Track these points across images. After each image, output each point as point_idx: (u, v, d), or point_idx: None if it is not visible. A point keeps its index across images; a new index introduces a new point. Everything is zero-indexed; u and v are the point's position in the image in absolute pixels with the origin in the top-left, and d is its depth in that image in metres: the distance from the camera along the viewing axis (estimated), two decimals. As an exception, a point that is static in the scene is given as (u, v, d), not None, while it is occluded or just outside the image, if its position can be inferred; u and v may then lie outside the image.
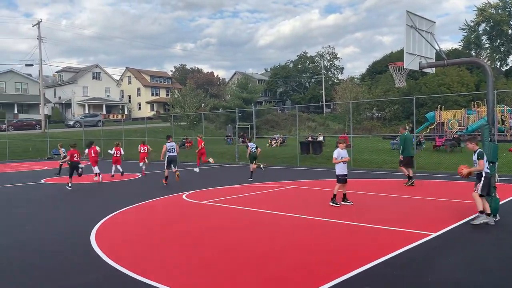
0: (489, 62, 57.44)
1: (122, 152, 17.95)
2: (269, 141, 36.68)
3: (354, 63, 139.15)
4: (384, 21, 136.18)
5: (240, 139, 30.27)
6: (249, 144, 16.25)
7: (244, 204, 10.22)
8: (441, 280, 4.91)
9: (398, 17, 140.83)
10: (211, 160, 19.05)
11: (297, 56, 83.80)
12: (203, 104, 51.82)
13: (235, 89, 62.99)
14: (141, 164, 18.60)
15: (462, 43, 62.08)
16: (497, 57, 60.87)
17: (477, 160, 7.54)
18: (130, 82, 72.35)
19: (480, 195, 7.44)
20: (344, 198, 9.85)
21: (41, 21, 43.12)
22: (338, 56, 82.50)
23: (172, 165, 14.95)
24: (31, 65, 44.16)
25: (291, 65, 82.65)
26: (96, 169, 16.17)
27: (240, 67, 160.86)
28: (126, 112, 65.77)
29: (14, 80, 57.11)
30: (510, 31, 58.17)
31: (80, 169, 14.75)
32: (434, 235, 6.83)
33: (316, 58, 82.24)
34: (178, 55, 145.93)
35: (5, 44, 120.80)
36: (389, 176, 16.02)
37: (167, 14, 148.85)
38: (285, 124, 54.57)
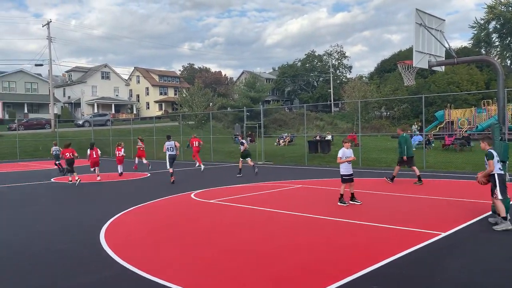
0: (500, 60, 56.75)
1: (123, 153, 18.40)
2: (277, 140, 36.65)
3: (362, 62, 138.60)
4: (392, 19, 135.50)
5: (249, 138, 30.31)
6: (243, 141, 16.91)
7: (253, 203, 10.23)
8: (450, 280, 4.88)
9: (407, 15, 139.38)
10: (198, 162, 20.06)
11: (305, 55, 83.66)
12: (211, 103, 51.92)
13: (243, 88, 63.09)
14: (137, 160, 21.05)
15: (472, 41, 61.37)
16: (507, 55, 60.09)
17: (486, 161, 7.43)
18: (138, 82, 72.70)
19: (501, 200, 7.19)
20: (353, 197, 9.81)
21: (51, 21, 43.54)
22: (346, 54, 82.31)
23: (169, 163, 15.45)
24: (41, 65, 44.66)
25: (299, 64, 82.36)
26: (97, 170, 16.58)
27: (248, 66, 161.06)
28: (134, 112, 66.09)
29: (24, 80, 57.67)
30: (520, 29, 57.42)
31: (69, 167, 15.63)
32: (443, 234, 6.78)
33: (324, 56, 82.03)
34: (186, 55, 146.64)
35: (16, 45, 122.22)
36: (397, 175, 15.90)
37: (175, 13, 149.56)
38: (293, 123, 54.47)
